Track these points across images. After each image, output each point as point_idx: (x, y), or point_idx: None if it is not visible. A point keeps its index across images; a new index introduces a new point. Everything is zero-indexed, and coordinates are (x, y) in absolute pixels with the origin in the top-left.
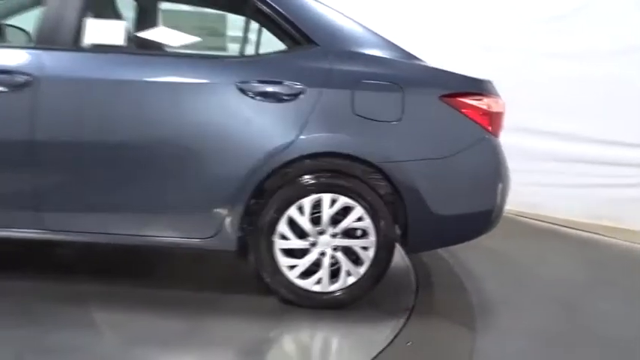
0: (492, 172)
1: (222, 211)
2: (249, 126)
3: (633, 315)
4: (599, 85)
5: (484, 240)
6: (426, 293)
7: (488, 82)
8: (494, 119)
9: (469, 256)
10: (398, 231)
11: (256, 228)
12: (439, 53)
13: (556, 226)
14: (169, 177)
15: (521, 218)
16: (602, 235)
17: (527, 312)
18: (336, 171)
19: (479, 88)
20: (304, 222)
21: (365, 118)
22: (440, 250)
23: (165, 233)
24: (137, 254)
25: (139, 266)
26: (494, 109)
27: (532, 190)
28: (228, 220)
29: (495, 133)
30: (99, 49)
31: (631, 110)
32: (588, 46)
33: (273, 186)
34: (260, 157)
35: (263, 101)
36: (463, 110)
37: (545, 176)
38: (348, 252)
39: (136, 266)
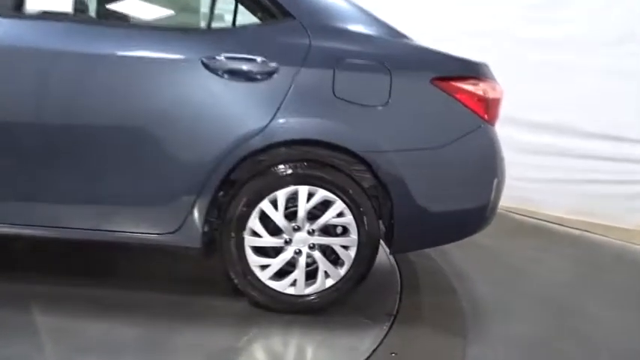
0: (487, 164)
1: (185, 204)
2: (216, 108)
3: (625, 318)
4: (591, 76)
5: (473, 237)
6: (412, 296)
7: (485, 65)
8: (490, 106)
9: (457, 255)
10: (382, 228)
11: (224, 223)
12: (422, 37)
13: (547, 223)
14: (123, 164)
15: (511, 214)
16: (594, 233)
17: (519, 316)
18: (315, 161)
19: (474, 71)
20: (278, 217)
21: (347, 101)
22: (427, 249)
23: (120, 227)
24: (91, 251)
25: (94, 265)
26: (491, 95)
27: (522, 185)
28: (192, 214)
29: (492, 122)
30: (44, 16)
31: (626, 103)
32: (580, 34)
33: (243, 176)
34: (228, 143)
35: (232, 80)
36: (457, 96)
37: (535, 170)
38: (327, 251)
39: (90, 265)
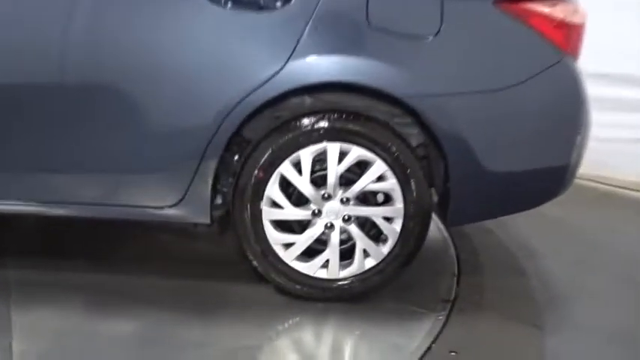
0: (569, 111)
1: (186, 169)
2: (219, 47)
3: None
4: None
5: (539, 207)
6: (471, 278)
7: None
8: (572, 34)
9: (522, 228)
10: (435, 196)
11: (237, 192)
12: None
13: (624, 190)
14: (111, 123)
15: (581, 181)
16: None
17: (603, 300)
18: (347, 111)
19: None
20: (303, 183)
21: (386, 31)
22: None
23: (112, 200)
24: (85, 229)
25: (88, 245)
26: (573, 19)
27: (593, 146)
28: (196, 182)
29: (574, 55)
30: None
31: None
32: None
33: (257, 133)
34: (235, 91)
35: (238, 11)
36: (529, 20)
37: (609, 130)
38: (366, 225)
39: (84, 245)
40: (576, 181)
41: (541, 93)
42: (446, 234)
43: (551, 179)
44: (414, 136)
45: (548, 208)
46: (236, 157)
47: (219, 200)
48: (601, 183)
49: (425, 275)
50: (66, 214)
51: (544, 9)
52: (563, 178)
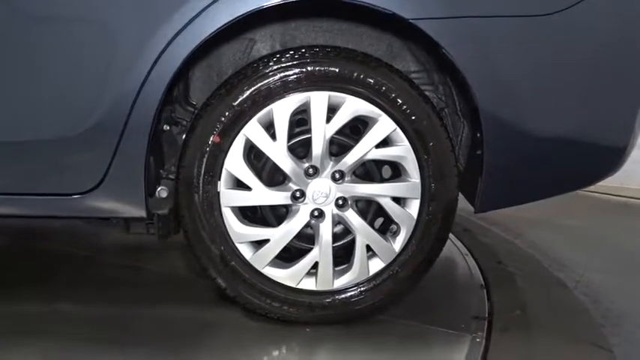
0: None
1: (107, 140)
2: None
3: None
4: None
5: (550, 217)
6: (505, 292)
7: None
8: None
9: (543, 238)
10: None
11: (183, 168)
12: None
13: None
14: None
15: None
16: None
17: None
18: (333, 48)
19: None
20: (277, 152)
21: None
22: (496, 229)
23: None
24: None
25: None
26: None
27: None
28: (118, 162)
29: None
30: None
31: None
32: None
33: (206, 86)
34: (165, 22)
35: None
36: None
37: None
38: (369, 211)
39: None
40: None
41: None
42: (456, 241)
43: (610, 152)
44: (430, 79)
45: (559, 218)
46: (180, 128)
47: (162, 194)
48: (608, 194)
49: (444, 288)
50: None
51: None
52: (624, 153)
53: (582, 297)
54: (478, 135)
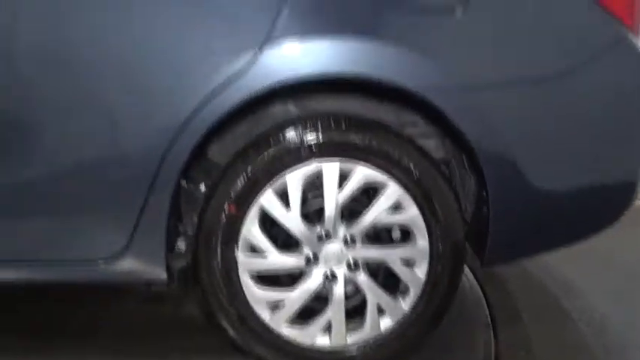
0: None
1: (130, 208)
2: (158, 37)
3: None
4: None
5: None
6: (512, 329)
7: None
8: (635, 5)
9: (549, 258)
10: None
11: (202, 234)
12: None
13: None
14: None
15: None
16: None
17: None
18: (345, 117)
19: None
20: (291, 219)
21: (397, 5)
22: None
23: (24, 256)
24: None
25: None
26: None
27: None
28: (144, 223)
29: (635, 30)
30: None
31: None
32: None
33: (226, 153)
34: (190, 98)
35: None
36: None
37: None
38: (379, 272)
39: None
40: None
41: (604, 80)
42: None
43: (619, 195)
44: (439, 146)
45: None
46: (202, 187)
47: (180, 246)
48: None
49: (449, 327)
50: None
51: None
52: (630, 196)
53: (585, 328)
54: (484, 193)
